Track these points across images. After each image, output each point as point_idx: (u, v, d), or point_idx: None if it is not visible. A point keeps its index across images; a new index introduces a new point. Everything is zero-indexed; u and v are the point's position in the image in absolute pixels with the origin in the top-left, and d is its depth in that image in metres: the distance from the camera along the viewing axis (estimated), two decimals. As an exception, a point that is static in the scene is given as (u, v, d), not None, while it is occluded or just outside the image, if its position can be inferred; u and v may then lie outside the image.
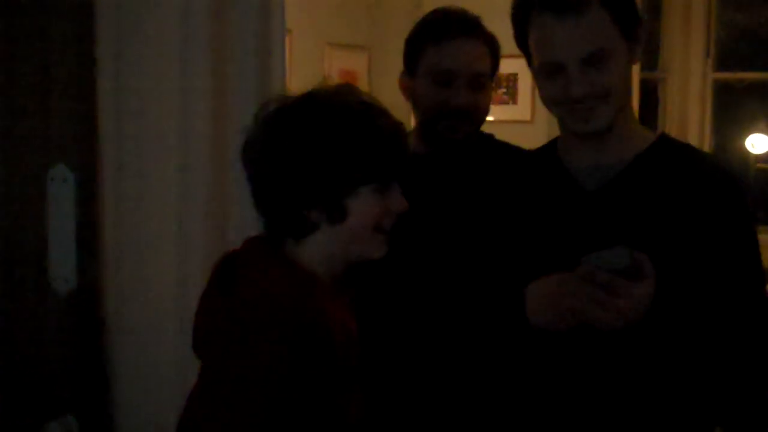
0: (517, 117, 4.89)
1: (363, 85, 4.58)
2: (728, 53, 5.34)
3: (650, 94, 5.32)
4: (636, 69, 4.97)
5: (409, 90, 1.87)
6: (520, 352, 1.50)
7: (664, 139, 1.56)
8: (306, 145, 1.29)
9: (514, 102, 5.00)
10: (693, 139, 5.26)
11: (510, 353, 1.53)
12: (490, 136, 1.95)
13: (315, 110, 1.31)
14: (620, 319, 1.31)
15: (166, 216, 1.85)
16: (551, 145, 1.62)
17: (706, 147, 5.33)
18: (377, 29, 4.64)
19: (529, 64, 1.51)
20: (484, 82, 1.83)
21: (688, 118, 5.25)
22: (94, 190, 1.82)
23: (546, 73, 1.46)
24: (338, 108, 1.31)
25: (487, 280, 1.54)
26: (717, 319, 1.42)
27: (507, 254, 1.55)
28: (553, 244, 1.50)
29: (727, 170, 1.54)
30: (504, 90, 5.09)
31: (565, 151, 1.57)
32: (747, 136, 5.51)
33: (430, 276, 1.71)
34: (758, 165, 5.63)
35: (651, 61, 5.30)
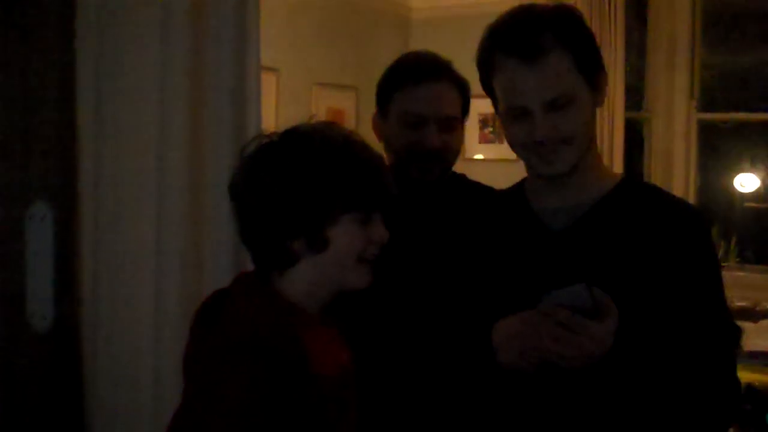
0: (504, 156, 4.93)
1: (350, 123, 4.63)
2: (712, 94, 5.41)
3: (636, 134, 5.37)
4: (621, 109, 5.05)
5: (381, 132, 1.91)
6: (489, 391, 1.52)
7: (629, 180, 1.59)
8: (287, 175, 1.33)
9: (501, 141, 5.05)
10: (679, 179, 5.29)
11: (479, 393, 1.55)
12: (462, 176, 1.98)
13: (296, 142, 1.36)
14: (581, 356, 1.33)
15: (143, 250, 1.87)
16: (519, 186, 1.65)
17: (692, 186, 5.36)
18: (365, 69, 4.68)
19: (495, 107, 1.55)
20: (455, 125, 1.86)
21: (674, 157, 5.29)
22: (73, 225, 1.84)
23: (511, 117, 1.49)
24: (319, 140, 1.35)
25: (456, 320, 1.56)
26: (681, 357, 1.44)
27: (475, 294, 1.57)
28: (520, 284, 1.52)
29: (693, 210, 1.57)
30: (491, 129, 5.15)
31: (531, 192, 1.60)
32: (734, 175, 5.56)
33: (402, 315, 1.73)
34: (746, 204, 5.67)
35: (636, 101, 5.36)
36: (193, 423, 1.27)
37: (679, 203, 1.57)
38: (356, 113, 4.76)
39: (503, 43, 1.46)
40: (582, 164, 1.51)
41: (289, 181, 1.32)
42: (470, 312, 1.54)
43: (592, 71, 1.49)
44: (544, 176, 1.52)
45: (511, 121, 1.50)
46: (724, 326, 1.52)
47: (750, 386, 3.22)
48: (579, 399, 1.45)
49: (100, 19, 1.83)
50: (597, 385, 1.41)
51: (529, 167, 1.56)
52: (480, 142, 5.22)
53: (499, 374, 1.45)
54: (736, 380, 1.51)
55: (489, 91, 1.53)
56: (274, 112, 4.25)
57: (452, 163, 1.89)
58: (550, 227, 1.54)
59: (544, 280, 1.47)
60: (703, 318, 1.47)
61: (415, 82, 1.83)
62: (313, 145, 1.34)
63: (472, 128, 5.25)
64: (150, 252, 1.87)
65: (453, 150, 1.86)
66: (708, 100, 5.37)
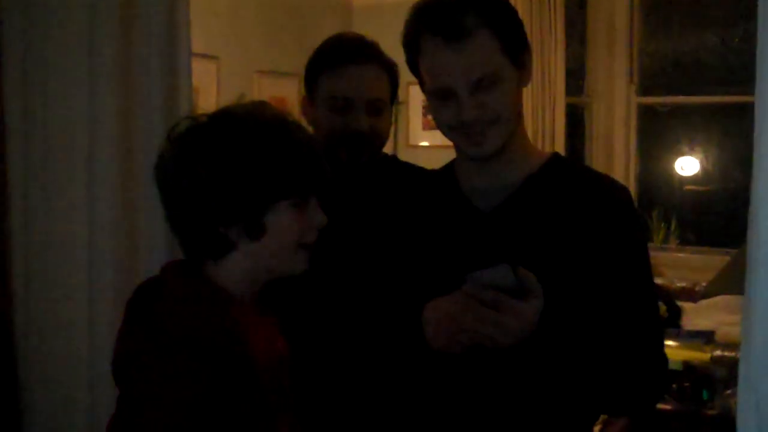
0: (449, 142, 4.97)
1: (293, 111, 4.58)
2: (652, 79, 5.49)
3: (577, 119, 5.43)
4: (562, 94, 5.09)
5: (310, 116, 1.90)
6: (419, 372, 1.52)
7: (556, 159, 1.60)
8: (220, 160, 1.27)
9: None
10: (619, 162, 5.37)
11: (409, 374, 1.55)
12: (393, 158, 1.98)
13: (228, 125, 1.30)
14: (506, 335, 1.33)
15: (75, 245, 1.85)
16: (449, 167, 1.65)
17: (633, 170, 5.45)
18: (306, 56, 4.65)
19: (423, 88, 1.54)
20: (382, 107, 1.84)
21: (614, 141, 5.37)
22: (3, 221, 1.82)
23: (438, 98, 1.49)
24: (252, 122, 1.30)
25: (386, 303, 1.56)
26: (607, 334, 1.46)
27: (405, 276, 1.57)
28: (449, 265, 1.52)
29: (618, 186, 1.57)
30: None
31: (461, 172, 1.60)
32: (674, 159, 5.64)
33: (333, 300, 1.72)
34: (686, 187, 5.77)
35: (577, 86, 5.41)
36: (135, 428, 1.21)
37: (603, 180, 1.58)
38: (298, 101, 4.73)
39: (428, 23, 1.45)
40: (510, 144, 1.51)
41: (223, 165, 1.26)
42: (400, 294, 1.54)
43: (518, 50, 1.49)
44: (472, 157, 1.53)
45: (437, 103, 1.50)
46: (650, 302, 1.54)
47: (688, 364, 3.28)
48: (506, 378, 1.45)
49: (28, 15, 1.81)
50: (524, 363, 1.41)
51: (457, 148, 1.57)
52: (424, 129, 5.23)
53: (429, 355, 1.45)
54: (663, 356, 1.53)
55: (416, 72, 1.53)
56: (215, 100, 4.21)
57: (381, 145, 1.88)
58: (478, 208, 1.55)
59: (473, 260, 1.47)
60: (628, 294, 1.48)
61: (340, 64, 1.81)
62: (248, 128, 1.29)
63: (415, 115, 5.26)
64: (83, 246, 1.85)
65: (381, 133, 1.85)
66: (648, 85, 5.44)
